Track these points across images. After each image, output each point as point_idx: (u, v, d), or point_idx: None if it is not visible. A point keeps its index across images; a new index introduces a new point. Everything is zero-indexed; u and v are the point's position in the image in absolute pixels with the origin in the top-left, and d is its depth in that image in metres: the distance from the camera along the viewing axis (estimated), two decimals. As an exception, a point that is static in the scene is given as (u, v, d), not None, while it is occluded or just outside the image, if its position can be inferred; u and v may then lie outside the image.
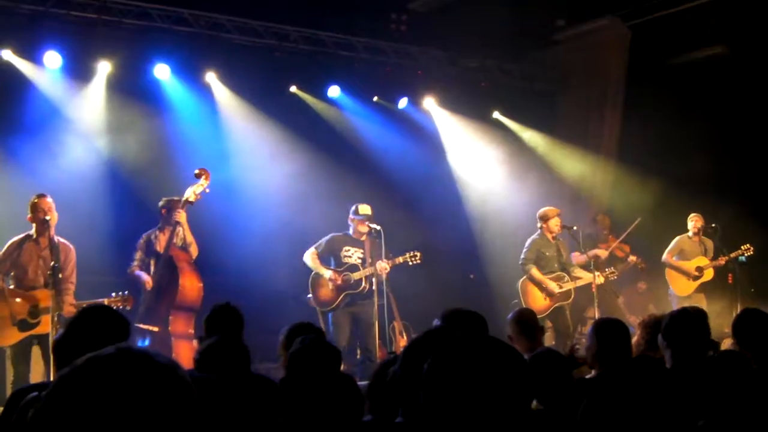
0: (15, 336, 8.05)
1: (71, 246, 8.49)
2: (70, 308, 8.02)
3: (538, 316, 7.24)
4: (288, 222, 10.79)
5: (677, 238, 11.76)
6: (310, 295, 10.09)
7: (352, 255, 10.01)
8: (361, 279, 9.85)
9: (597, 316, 10.48)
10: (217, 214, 10.94)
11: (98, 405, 1.40)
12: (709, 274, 11.47)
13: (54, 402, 1.43)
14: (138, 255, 9.30)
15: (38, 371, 8.34)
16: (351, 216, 10.07)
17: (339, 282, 9.84)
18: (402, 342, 11.14)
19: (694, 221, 11.63)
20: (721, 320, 9.91)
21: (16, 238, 8.31)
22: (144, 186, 10.52)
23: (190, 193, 8.94)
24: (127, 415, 1.40)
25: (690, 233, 11.69)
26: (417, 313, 11.44)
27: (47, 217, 8.16)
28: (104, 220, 10.34)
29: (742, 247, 11.38)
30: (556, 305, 10.47)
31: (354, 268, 9.92)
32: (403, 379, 2.56)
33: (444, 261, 12.89)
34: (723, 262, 11.42)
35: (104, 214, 10.36)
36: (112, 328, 3.65)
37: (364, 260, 9.99)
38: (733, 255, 11.38)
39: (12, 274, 8.24)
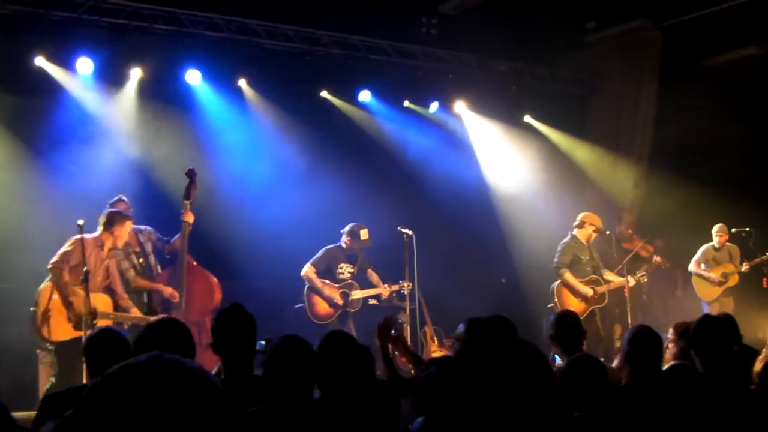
0: (68, 333, 7.92)
1: None
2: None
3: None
4: (318, 227, 10.77)
5: (703, 248, 11.83)
6: (302, 305, 10.25)
7: (345, 271, 10.36)
8: (359, 299, 10.33)
9: (629, 320, 10.41)
10: (246, 218, 10.97)
11: (130, 412, 1.40)
12: (734, 280, 11.57)
13: (86, 408, 1.43)
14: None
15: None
16: (349, 238, 10.31)
17: (341, 303, 10.21)
18: (433, 347, 11.11)
19: (719, 236, 11.69)
20: (756, 325, 9.80)
21: (88, 238, 8.12)
22: (176, 191, 10.53)
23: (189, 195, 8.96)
24: (158, 422, 1.40)
25: (716, 244, 11.73)
26: (448, 318, 11.40)
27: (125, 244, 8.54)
28: (136, 224, 10.35)
29: (767, 254, 11.33)
30: (590, 309, 10.35)
31: (351, 286, 10.32)
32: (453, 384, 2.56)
33: (475, 265, 12.85)
34: (747, 268, 11.45)
35: (136, 218, 10.39)
36: (181, 340, 3.72)
37: (354, 275, 10.38)
38: (755, 262, 11.39)
39: (79, 271, 7.86)
